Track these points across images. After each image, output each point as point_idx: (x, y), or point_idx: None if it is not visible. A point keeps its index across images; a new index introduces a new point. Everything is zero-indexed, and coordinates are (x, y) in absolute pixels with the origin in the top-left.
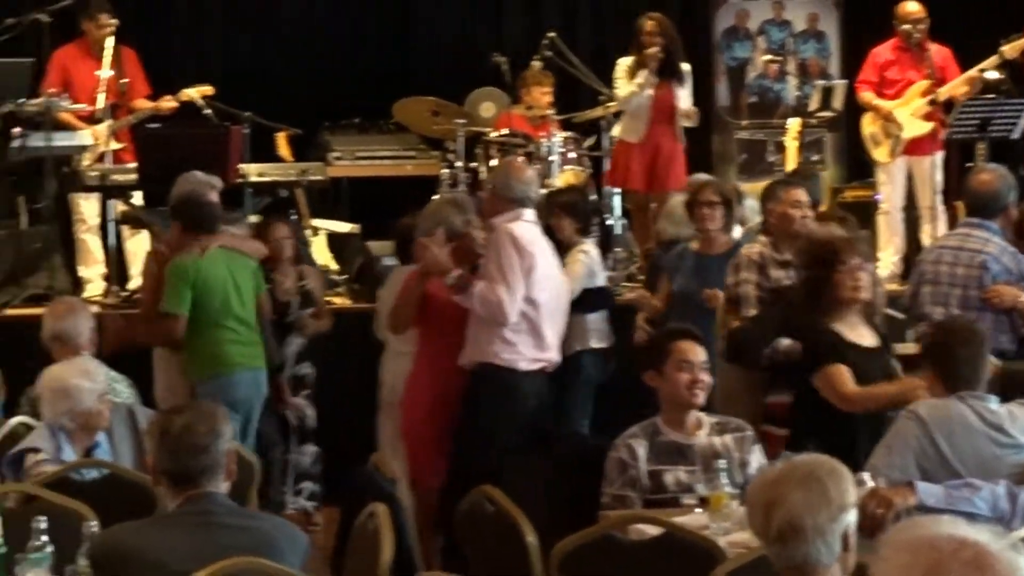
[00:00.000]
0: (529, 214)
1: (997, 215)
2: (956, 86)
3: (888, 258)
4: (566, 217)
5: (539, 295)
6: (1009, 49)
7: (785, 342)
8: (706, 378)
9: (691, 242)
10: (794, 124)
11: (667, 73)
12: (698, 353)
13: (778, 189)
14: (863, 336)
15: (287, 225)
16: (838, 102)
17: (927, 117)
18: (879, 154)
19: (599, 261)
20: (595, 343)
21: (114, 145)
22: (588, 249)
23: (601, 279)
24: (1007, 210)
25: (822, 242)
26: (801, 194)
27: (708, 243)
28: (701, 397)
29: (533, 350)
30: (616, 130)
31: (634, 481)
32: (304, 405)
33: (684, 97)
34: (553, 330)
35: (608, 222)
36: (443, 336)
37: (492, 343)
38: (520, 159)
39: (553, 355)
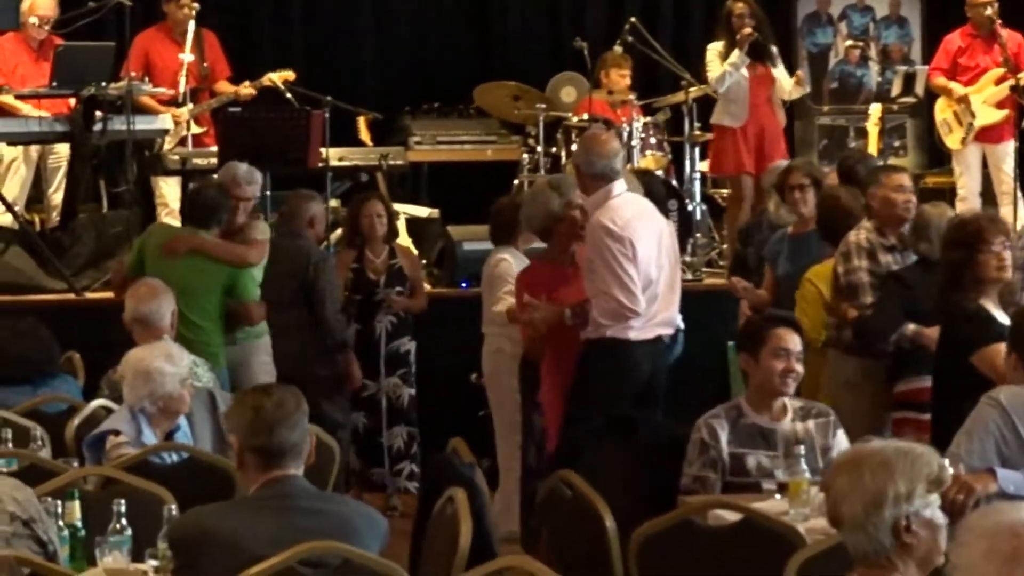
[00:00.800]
0: (618, 186)
1: None
2: None
3: None
4: None
5: (648, 272)
6: None
7: (911, 327)
8: (799, 368)
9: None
10: (876, 110)
11: (760, 55)
12: (796, 342)
13: (880, 174)
14: (1003, 317)
15: (382, 203)
16: (920, 88)
17: (1000, 104)
18: (951, 141)
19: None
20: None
21: (195, 129)
22: None
23: None
24: None
25: (965, 222)
26: (904, 178)
27: (803, 224)
28: (792, 386)
29: (647, 320)
30: (714, 116)
31: (715, 462)
32: (398, 384)
33: (782, 76)
34: (667, 300)
35: (689, 208)
36: (570, 355)
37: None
38: (601, 130)
39: (667, 326)
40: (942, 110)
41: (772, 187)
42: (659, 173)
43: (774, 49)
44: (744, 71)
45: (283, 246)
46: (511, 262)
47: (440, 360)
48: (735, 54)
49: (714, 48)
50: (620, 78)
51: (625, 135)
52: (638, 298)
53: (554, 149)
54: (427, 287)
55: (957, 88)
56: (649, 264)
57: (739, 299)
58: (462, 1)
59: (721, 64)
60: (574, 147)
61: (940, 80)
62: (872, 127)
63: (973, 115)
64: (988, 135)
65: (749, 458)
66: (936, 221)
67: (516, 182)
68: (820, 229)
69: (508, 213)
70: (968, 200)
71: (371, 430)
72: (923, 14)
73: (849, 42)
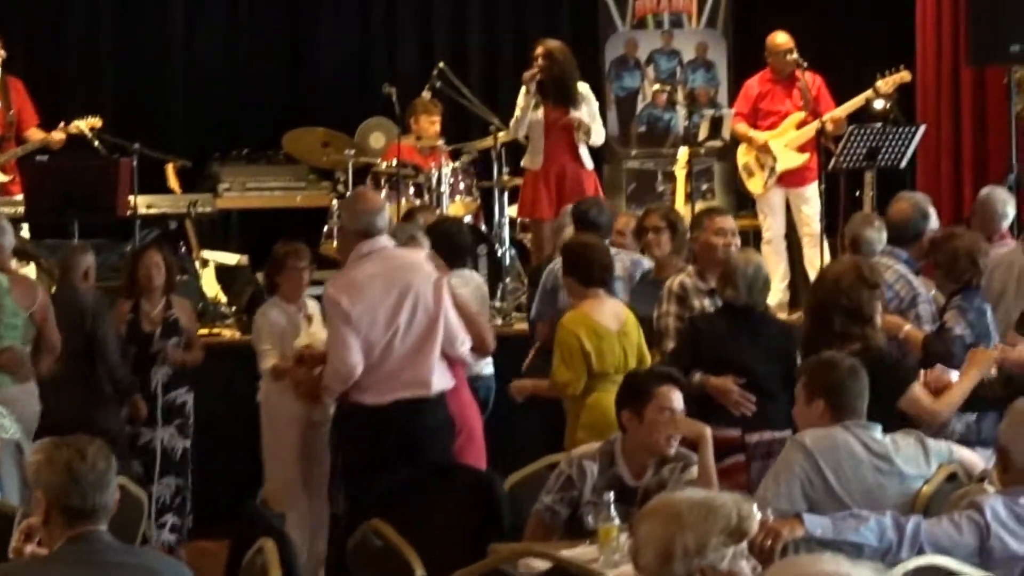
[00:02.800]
0: (370, 245)
1: (909, 243)
2: (838, 117)
3: (775, 286)
4: (433, 248)
5: (371, 334)
6: (884, 84)
7: (697, 375)
8: (681, 426)
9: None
10: (683, 154)
11: (558, 96)
12: (680, 400)
13: (703, 217)
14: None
15: (159, 253)
16: (726, 131)
17: (802, 148)
18: (753, 185)
19: (469, 289)
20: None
21: (1, 178)
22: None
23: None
24: (921, 238)
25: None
26: (726, 222)
27: (660, 269)
28: (674, 448)
29: (382, 385)
30: (523, 159)
31: (572, 502)
32: (174, 435)
33: (583, 116)
34: (412, 361)
35: (499, 253)
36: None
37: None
38: (366, 189)
39: (417, 388)
40: (743, 155)
41: (557, 229)
42: (468, 218)
43: (583, 88)
44: (539, 113)
45: (60, 300)
46: (269, 316)
47: (241, 409)
48: (521, 95)
49: (522, 91)
50: (429, 124)
51: (434, 180)
52: (348, 361)
53: None
54: (236, 334)
55: (756, 136)
56: (372, 327)
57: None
58: (272, 46)
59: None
60: (383, 193)
61: (740, 127)
62: (679, 171)
63: (775, 159)
64: (791, 179)
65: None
66: (743, 267)
67: (325, 229)
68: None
69: (283, 260)
70: (773, 243)
71: (142, 480)
72: (729, 58)
73: (656, 86)
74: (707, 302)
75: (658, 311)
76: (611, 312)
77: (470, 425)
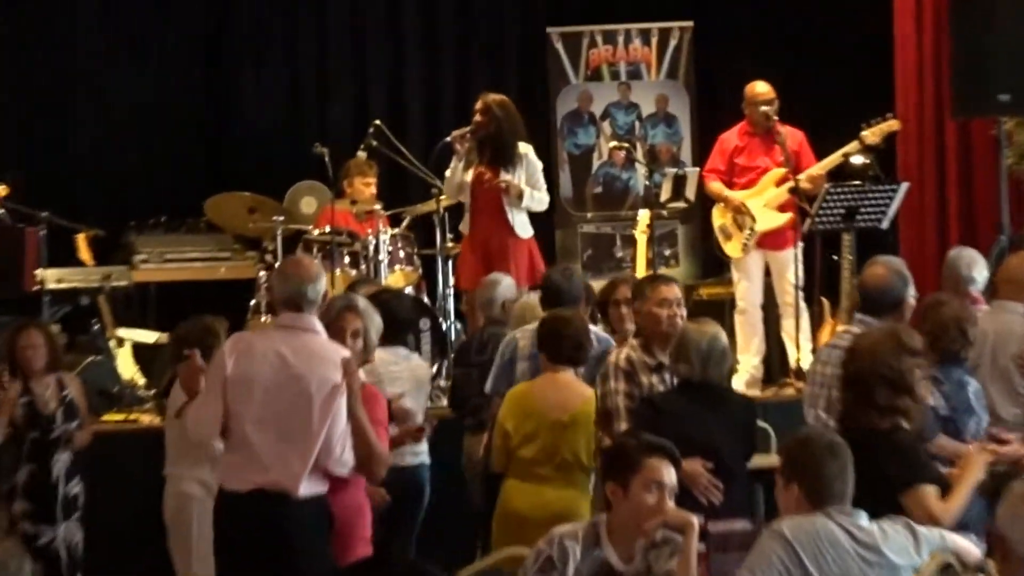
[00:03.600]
0: (291, 320)
1: (887, 311)
2: (816, 175)
3: (748, 362)
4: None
5: (244, 407)
6: (870, 134)
7: None
8: (672, 503)
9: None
10: (644, 216)
11: (493, 156)
12: (672, 476)
13: (645, 287)
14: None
15: (38, 332)
16: (691, 191)
17: (783, 208)
18: (731, 249)
19: (402, 369)
20: (410, 460)
21: None
22: (376, 357)
23: (397, 389)
24: (901, 306)
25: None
26: (670, 291)
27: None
28: (659, 532)
29: (243, 469)
30: (461, 225)
31: None
32: (75, 530)
33: (518, 180)
34: (276, 452)
35: (443, 326)
36: None
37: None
38: (303, 256)
39: (274, 476)
40: (719, 216)
41: (486, 303)
42: (409, 289)
43: (523, 148)
44: (468, 175)
45: None
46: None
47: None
48: (455, 157)
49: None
50: (364, 186)
51: (371, 248)
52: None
53: None
54: (156, 419)
55: (732, 196)
56: (245, 401)
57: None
58: (192, 103)
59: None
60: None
61: (715, 185)
62: (640, 235)
63: (754, 219)
64: (771, 241)
65: None
66: (696, 340)
67: (253, 302)
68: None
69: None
70: (748, 312)
71: None
72: (693, 111)
73: (613, 143)
74: (655, 378)
75: (603, 388)
76: (562, 398)
77: (356, 534)
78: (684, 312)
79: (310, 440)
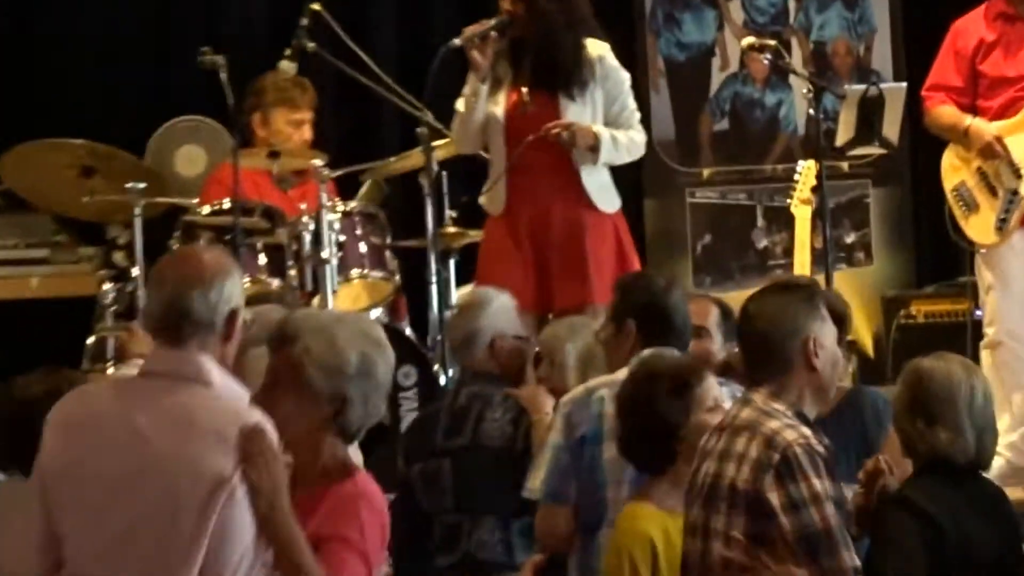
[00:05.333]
0: (161, 360)
1: None
2: None
3: (1004, 426)
4: None
5: (75, 524)
6: None
7: None
8: None
9: None
10: (807, 172)
11: (542, 72)
12: None
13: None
14: None
15: None
16: (892, 126)
17: None
18: (976, 229)
19: None
20: None
21: None
22: None
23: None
24: None
25: None
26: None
27: None
28: None
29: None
30: (482, 197)
31: None
32: None
33: (590, 113)
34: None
35: (436, 374)
36: None
37: None
38: (199, 248)
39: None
40: (955, 168)
41: (462, 341)
42: (377, 313)
43: (598, 54)
44: (499, 106)
45: None
46: None
47: None
48: (472, 75)
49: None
50: (292, 126)
51: (307, 238)
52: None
53: None
54: None
55: (981, 128)
56: (74, 508)
57: None
58: None
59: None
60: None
61: (946, 111)
62: (801, 207)
63: (1021, 174)
64: None
65: None
66: (959, 387)
67: (90, 339)
68: None
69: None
70: (1005, 347)
71: None
72: None
73: (748, 40)
74: None
75: (787, 495)
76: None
77: None
78: (718, 341)
79: (182, 564)
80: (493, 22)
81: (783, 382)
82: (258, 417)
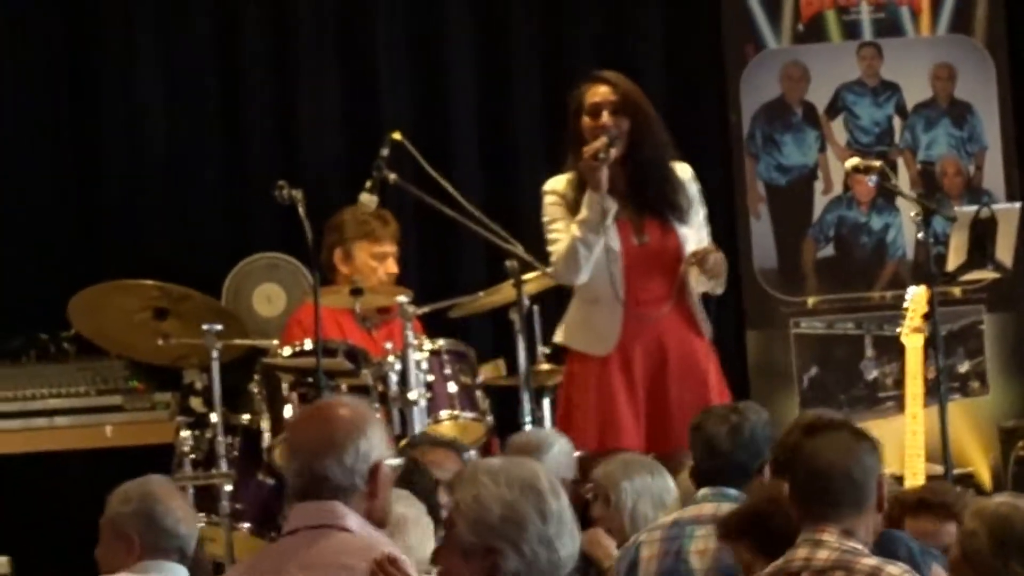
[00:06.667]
0: (304, 513)
1: None
2: None
3: None
4: None
5: None
6: None
7: None
8: None
9: None
10: (918, 298)
11: (651, 197)
12: None
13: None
14: None
15: None
16: (1006, 249)
17: None
18: None
19: None
20: None
21: None
22: None
23: None
24: None
25: None
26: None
27: None
28: None
29: None
30: (559, 335)
31: None
32: None
33: (692, 237)
34: None
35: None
36: None
37: None
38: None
39: None
40: None
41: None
42: (471, 455)
43: (682, 175)
44: (613, 239)
45: None
46: None
47: None
48: (587, 199)
49: (555, 187)
50: (376, 260)
51: (393, 379)
52: None
53: (246, 417)
54: None
55: None
56: None
57: None
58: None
59: (567, 216)
60: (287, 411)
61: None
62: (912, 336)
63: None
64: None
65: None
66: None
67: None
68: None
69: None
70: None
71: None
72: (1004, 92)
73: (853, 160)
74: None
75: None
76: None
77: None
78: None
79: None
80: (605, 139)
81: (856, 522)
82: (393, 550)
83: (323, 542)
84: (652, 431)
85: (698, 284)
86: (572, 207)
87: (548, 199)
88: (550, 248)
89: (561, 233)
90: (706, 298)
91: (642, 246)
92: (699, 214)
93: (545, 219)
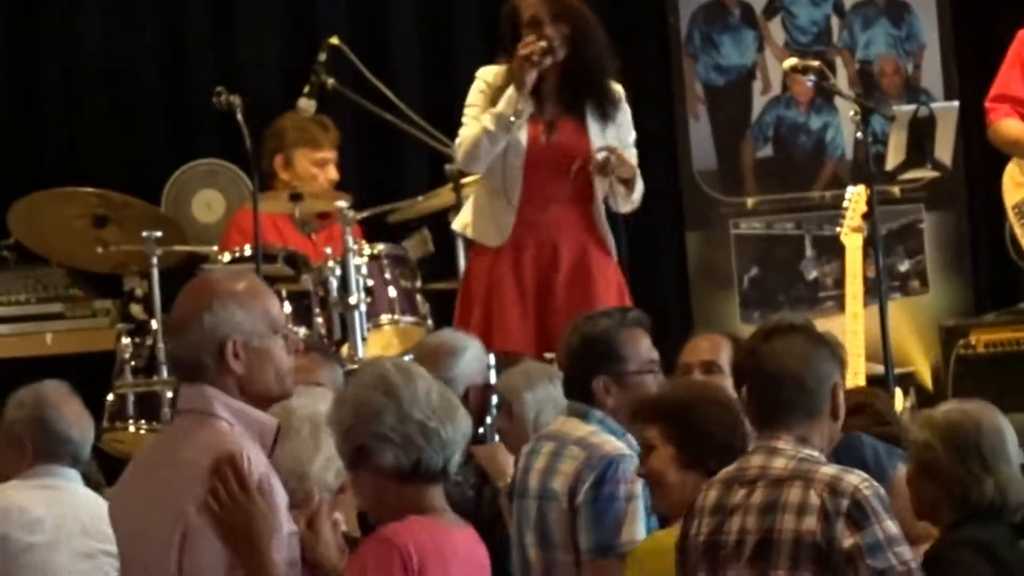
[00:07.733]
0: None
1: None
2: None
3: None
4: None
5: None
6: None
7: None
8: None
9: None
10: (857, 198)
11: (571, 97)
12: None
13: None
14: None
15: None
16: (945, 147)
17: None
18: None
19: None
20: None
21: None
22: None
23: None
24: None
25: None
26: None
27: None
28: None
29: None
30: (457, 222)
31: None
32: None
33: (617, 144)
34: None
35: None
36: None
37: None
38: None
39: None
40: (1017, 186)
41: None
42: (409, 359)
43: (614, 90)
44: (521, 135)
45: None
46: None
47: None
48: (507, 95)
49: (484, 76)
50: (315, 167)
51: (334, 284)
52: None
53: None
54: None
55: None
56: None
57: None
58: None
59: (485, 109)
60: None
61: (1011, 126)
62: (851, 235)
63: None
64: None
65: None
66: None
67: (111, 397)
68: None
69: None
70: None
71: None
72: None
73: (791, 61)
74: None
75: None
76: None
77: None
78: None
79: None
80: (534, 45)
81: (809, 428)
82: (235, 448)
83: (185, 437)
84: (539, 333)
85: (610, 191)
86: (494, 98)
87: (475, 84)
88: (460, 131)
89: (473, 120)
90: (615, 220)
91: (549, 144)
92: (629, 135)
93: (467, 102)
